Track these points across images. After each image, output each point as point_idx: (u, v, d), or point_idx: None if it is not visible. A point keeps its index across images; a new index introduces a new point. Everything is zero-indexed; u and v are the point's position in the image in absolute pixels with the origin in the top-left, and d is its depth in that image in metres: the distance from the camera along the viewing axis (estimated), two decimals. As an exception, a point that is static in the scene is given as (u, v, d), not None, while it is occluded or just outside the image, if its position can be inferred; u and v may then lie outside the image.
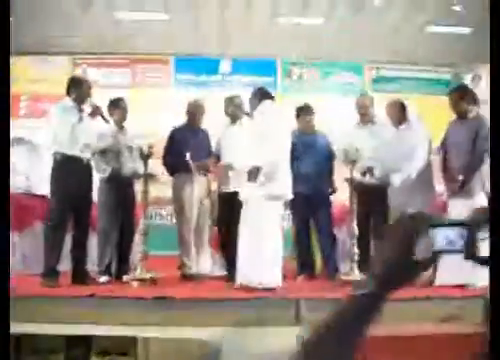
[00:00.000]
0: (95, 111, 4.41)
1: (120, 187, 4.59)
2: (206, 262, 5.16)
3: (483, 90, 8.57)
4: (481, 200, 4.34)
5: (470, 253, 0.79)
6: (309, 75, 9.22)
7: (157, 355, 3.22)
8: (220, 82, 8.97)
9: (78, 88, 4.44)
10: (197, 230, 4.84)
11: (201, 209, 4.89)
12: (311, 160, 5.08)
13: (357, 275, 4.41)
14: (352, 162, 4.53)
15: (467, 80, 9.16)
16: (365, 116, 5.18)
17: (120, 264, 4.56)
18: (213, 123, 7.39)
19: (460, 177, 4.38)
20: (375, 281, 0.79)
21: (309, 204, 5.02)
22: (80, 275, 4.19)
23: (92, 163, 4.51)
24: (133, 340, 3.31)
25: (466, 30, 9.33)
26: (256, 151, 4.20)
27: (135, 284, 4.18)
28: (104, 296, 3.60)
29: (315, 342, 0.79)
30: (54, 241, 4.09)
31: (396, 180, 4.60)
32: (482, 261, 0.81)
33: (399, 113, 4.76)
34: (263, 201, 4.08)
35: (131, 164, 4.67)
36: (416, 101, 9.20)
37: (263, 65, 9.11)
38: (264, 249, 4.05)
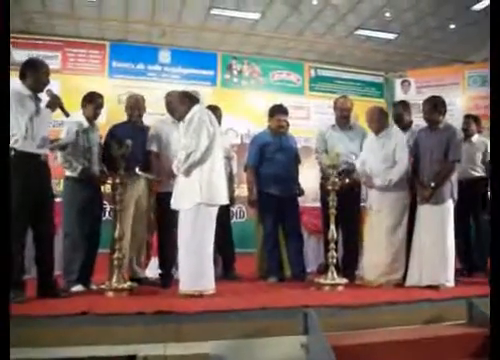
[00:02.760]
0: (54, 102, 3.80)
1: (90, 187, 4.19)
2: (151, 266, 4.94)
3: (413, 95, 9.00)
4: (450, 206, 4.50)
5: None
6: (250, 70, 9.10)
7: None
8: (159, 72, 8.59)
9: (35, 73, 3.75)
10: (135, 232, 4.52)
11: (139, 210, 4.54)
12: (282, 161, 5.00)
13: (336, 278, 4.37)
14: (333, 166, 4.48)
15: (397, 85, 9.48)
16: (345, 119, 5.09)
17: (89, 271, 4.17)
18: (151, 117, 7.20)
19: (432, 184, 4.49)
20: None
21: (278, 205, 4.93)
22: (46, 286, 3.72)
23: (59, 160, 4.07)
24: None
25: (392, 36, 9.70)
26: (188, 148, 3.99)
27: (111, 294, 3.84)
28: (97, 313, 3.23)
29: None
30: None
31: (378, 183, 4.65)
32: None
33: (381, 120, 4.76)
34: (197, 206, 3.93)
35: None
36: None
37: (204, 58, 8.86)
38: (200, 255, 3.93)
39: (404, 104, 5.23)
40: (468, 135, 5.33)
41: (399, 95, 9.19)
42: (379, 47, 10.02)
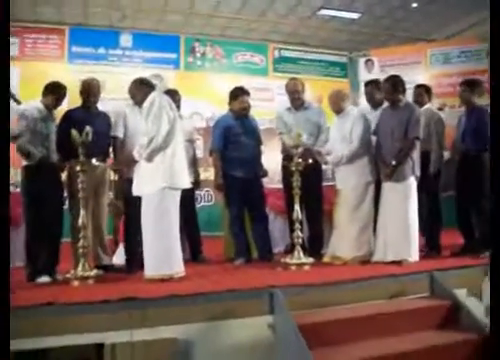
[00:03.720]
0: None
1: (49, 175, 4.10)
2: (119, 253, 4.96)
3: (376, 74, 9.05)
4: (412, 183, 4.58)
5: None
6: (213, 53, 9.01)
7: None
8: (120, 57, 8.43)
9: None
10: (95, 220, 4.48)
11: (99, 197, 4.50)
12: (245, 143, 5.01)
13: (302, 258, 4.42)
14: (295, 146, 4.52)
15: (361, 64, 9.52)
16: (298, 100, 5.13)
17: (54, 261, 4.10)
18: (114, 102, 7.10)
19: (393, 162, 4.55)
20: None
21: (243, 187, 4.95)
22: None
23: (16, 148, 3.97)
24: (97, 348, 3.01)
25: (355, 15, 9.71)
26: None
27: (76, 283, 3.80)
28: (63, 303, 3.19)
29: None
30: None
31: (331, 160, 4.81)
32: None
33: (341, 102, 4.84)
34: (160, 190, 3.93)
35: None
36: (316, 83, 9.50)
37: (166, 41, 8.73)
38: (167, 238, 3.95)
39: (375, 83, 5.24)
40: (419, 105, 5.34)
41: (363, 74, 9.25)
42: (342, 27, 10.01)
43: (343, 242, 4.71)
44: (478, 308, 3.73)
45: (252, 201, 5.04)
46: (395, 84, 4.69)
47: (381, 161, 4.70)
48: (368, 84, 5.34)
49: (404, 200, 4.53)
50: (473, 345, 3.29)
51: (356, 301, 3.65)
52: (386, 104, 4.87)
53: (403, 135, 4.59)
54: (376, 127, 4.83)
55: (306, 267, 4.39)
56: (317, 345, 2.99)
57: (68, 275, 3.87)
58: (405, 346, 3.21)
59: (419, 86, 5.43)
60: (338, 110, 4.85)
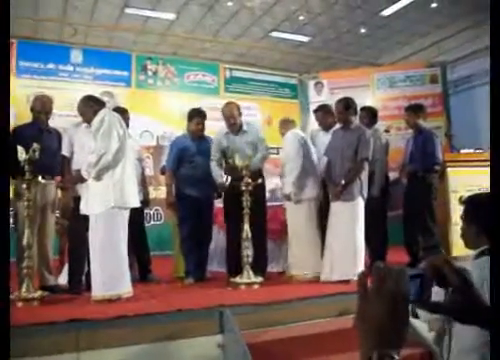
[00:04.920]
0: None
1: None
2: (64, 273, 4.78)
3: (326, 96, 9.29)
4: (359, 203, 4.69)
5: (423, 301, 0.85)
6: (165, 71, 9.00)
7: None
8: (70, 73, 8.30)
9: None
10: (41, 239, 4.38)
11: (45, 217, 4.41)
12: (200, 163, 5.02)
13: (252, 277, 4.45)
14: (245, 166, 4.57)
15: (311, 86, 9.72)
16: (234, 125, 5.01)
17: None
18: (62, 119, 6.98)
19: (342, 181, 4.67)
20: None
21: (197, 207, 4.96)
22: None
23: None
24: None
25: (306, 38, 9.97)
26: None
27: (20, 304, 3.68)
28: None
29: None
30: None
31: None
32: (433, 308, 0.90)
33: (284, 126, 5.22)
34: (110, 209, 3.90)
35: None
36: (266, 103, 9.66)
37: (117, 58, 8.65)
38: (115, 258, 3.91)
39: (325, 108, 5.38)
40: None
41: (313, 96, 9.45)
42: (293, 49, 10.25)
43: (296, 262, 4.85)
44: (422, 324, 3.83)
45: (203, 221, 5.05)
46: (347, 105, 4.84)
47: (331, 181, 4.81)
48: (317, 110, 5.47)
49: (351, 220, 4.63)
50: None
51: (305, 319, 3.69)
52: (337, 125, 5.00)
53: (353, 156, 4.73)
54: (327, 147, 4.95)
55: (255, 286, 4.41)
56: (266, 364, 3.01)
57: (11, 296, 3.74)
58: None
59: (363, 109, 5.57)
60: (282, 135, 5.24)
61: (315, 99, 9.19)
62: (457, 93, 9.39)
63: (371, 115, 5.49)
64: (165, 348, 3.22)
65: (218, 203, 5.48)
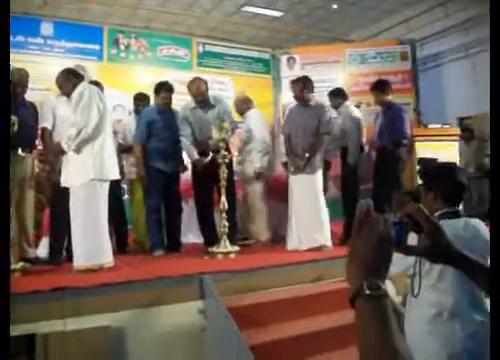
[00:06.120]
0: None
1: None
2: (42, 246, 4.88)
3: (297, 72, 9.37)
4: (320, 175, 4.94)
5: (400, 244, 1.01)
6: (137, 45, 8.93)
7: (57, 351, 2.99)
8: (41, 46, 8.18)
9: None
10: (20, 213, 4.42)
11: (23, 191, 4.41)
12: (168, 137, 5.10)
13: (228, 247, 4.59)
14: (222, 140, 4.68)
15: (283, 61, 9.79)
16: (202, 102, 5.06)
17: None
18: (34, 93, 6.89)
19: (306, 155, 4.85)
20: None
21: (164, 180, 5.05)
22: None
23: None
24: (28, 339, 3.01)
25: (279, 13, 10.00)
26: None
27: (2, 275, 3.74)
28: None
29: None
30: None
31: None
32: (409, 250, 1.07)
33: (245, 104, 5.77)
34: (90, 182, 3.99)
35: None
36: (239, 78, 9.69)
37: (89, 31, 8.54)
38: (96, 229, 4.02)
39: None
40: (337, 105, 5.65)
41: (285, 71, 9.52)
42: (266, 24, 10.26)
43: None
44: (391, 289, 4.04)
45: (170, 194, 5.13)
46: (304, 84, 5.04)
47: (293, 154, 4.97)
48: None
49: (314, 191, 4.86)
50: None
51: (281, 285, 3.87)
52: (294, 103, 5.18)
53: (316, 130, 4.92)
54: (285, 123, 5.16)
55: (232, 255, 4.56)
56: (246, 327, 3.17)
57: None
58: (323, 325, 3.46)
59: (330, 93, 5.73)
60: (243, 111, 5.88)
61: (287, 74, 9.28)
62: (426, 70, 9.58)
63: (339, 97, 5.63)
64: (148, 314, 3.35)
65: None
